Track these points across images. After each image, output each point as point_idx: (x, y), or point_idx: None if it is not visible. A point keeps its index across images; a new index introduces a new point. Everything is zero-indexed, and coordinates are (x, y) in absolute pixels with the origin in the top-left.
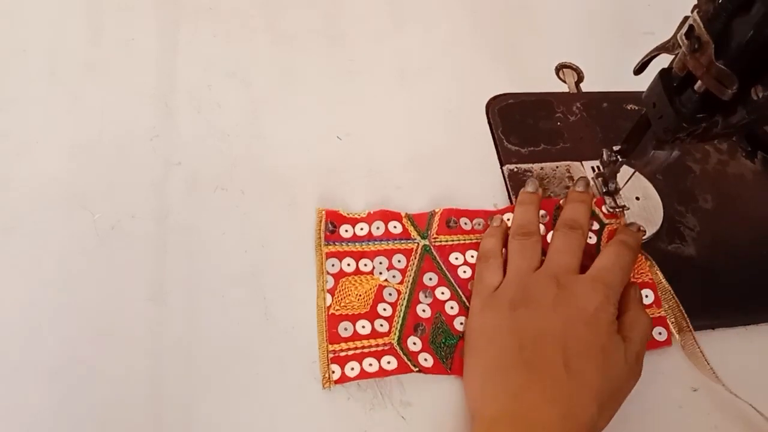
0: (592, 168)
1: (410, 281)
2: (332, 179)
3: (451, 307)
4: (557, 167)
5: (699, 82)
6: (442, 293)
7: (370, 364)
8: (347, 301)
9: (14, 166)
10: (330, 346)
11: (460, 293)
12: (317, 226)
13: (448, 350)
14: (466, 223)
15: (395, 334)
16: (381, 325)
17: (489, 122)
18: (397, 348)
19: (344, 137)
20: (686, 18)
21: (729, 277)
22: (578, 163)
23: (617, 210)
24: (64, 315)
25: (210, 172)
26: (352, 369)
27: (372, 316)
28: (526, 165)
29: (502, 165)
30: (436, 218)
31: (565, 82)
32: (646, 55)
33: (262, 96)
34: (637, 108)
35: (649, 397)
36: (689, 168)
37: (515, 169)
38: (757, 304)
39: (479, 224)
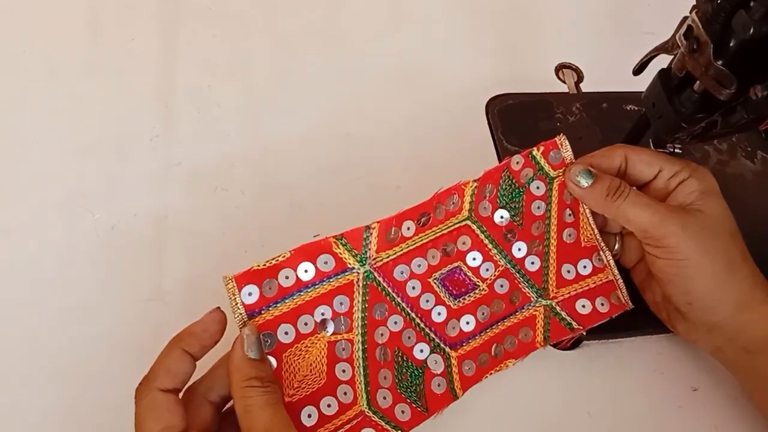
0: None
1: (359, 324)
2: (332, 179)
3: (408, 337)
4: None
5: (698, 83)
6: (395, 323)
7: None
8: (299, 379)
9: (14, 166)
10: None
11: (413, 315)
12: (231, 299)
13: (417, 390)
14: (409, 228)
15: (362, 397)
16: (345, 393)
17: (489, 122)
18: (370, 413)
19: (344, 137)
20: (685, 18)
21: None
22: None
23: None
24: (64, 315)
25: (210, 172)
26: None
27: (332, 385)
28: None
29: None
30: (374, 234)
31: (564, 82)
32: (646, 56)
33: (262, 96)
34: (636, 108)
35: (649, 397)
36: None
37: None
38: None
39: (424, 220)
